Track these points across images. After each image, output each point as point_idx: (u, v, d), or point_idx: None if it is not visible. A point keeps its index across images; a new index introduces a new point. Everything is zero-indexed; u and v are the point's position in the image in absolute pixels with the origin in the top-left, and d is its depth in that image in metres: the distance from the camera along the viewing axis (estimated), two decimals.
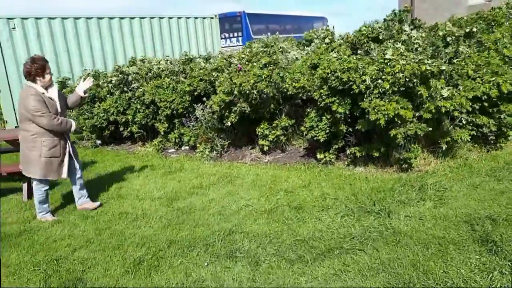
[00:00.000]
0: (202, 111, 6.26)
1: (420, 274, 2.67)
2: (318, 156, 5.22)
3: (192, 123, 6.45)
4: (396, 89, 4.23)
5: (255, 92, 5.43)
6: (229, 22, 19.20)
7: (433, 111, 4.30)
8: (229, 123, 5.83)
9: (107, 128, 7.40)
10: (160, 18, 11.35)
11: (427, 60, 4.33)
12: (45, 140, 4.08)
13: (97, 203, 4.56)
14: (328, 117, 4.84)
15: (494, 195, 3.76)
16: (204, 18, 12.33)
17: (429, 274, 2.65)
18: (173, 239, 3.53)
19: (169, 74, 7.13)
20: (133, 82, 7.29)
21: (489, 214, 3.35)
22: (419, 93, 4.24)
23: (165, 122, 6.65)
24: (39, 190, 4.25)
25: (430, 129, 4.47)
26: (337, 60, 4.65)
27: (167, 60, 7.80)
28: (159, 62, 7.64)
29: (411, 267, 2.76)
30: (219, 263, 3.09)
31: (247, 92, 5.42)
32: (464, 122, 4.65)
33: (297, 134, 6.23)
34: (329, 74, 4.56)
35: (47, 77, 4.10)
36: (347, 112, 4.63)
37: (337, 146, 5.06)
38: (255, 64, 5.89)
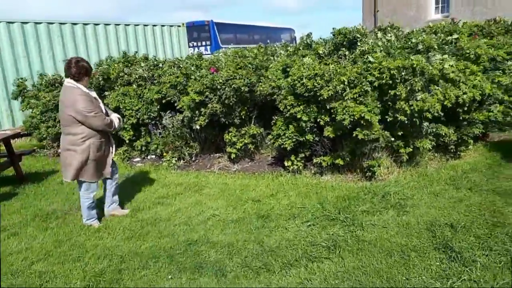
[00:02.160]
0: (170, 118, 6.17)
1: (384, 281, 2.71)
2: (286, 165, 5.25)
3: (159, 131, 6.33)
4: (380, 83, 4.33)
5: (228, 90, 5.38)
6: (197, 31, 19.15)
7: (408, 111, 4.41)
8: (197, 126, 5.72)
9: None
10: (126, 25, 11.16)
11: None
12: (94, 142, 3.91)
13: (126, 211, 4.38)
14: (295, 125, 4.88)
15: (453, 203, 3.90)
16: (171, 26, 12.23)
17: (391, 281, 2.70)
18: (136, 251, 3.43)
19: (138, 79, 6.95)
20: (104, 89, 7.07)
21: (448, 222, 3.47)
22: (394, 93, 4.34)
23: (130, 130, 6.49)
24: (87, 195, 4.04)
25: (393, 139, 4.60)
26: (307, 66, 4.71)
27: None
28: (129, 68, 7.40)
29: (375, 275, 2.80)
30: (184, 275, 3.02)
31: (219, 87, 5.37)
32: (424, 132, 4.81)
33: (266, 143, 6.25)
34: (296, 81, 4.60)
35: (87, 79, 3.99)
36: (312, 121, 4.69)
37: (304, 155, 5.11)
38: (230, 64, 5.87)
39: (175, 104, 6.02)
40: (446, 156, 5.23)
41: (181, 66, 6.46)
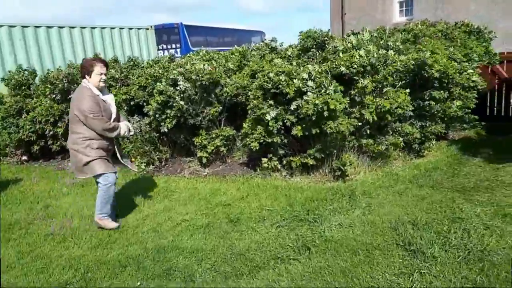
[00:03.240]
0: (138, 122, 6.08)
1: (349, 280, 2.79)
2: (257, 167, 5.29)
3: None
4: (348, 71, 4.43)
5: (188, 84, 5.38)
6: (167, 34, 18.95)
7: (374, 111, 4.51)
8: (165, 129, 5.67)
9: (36, 143, 6.91)
10: (92, 28, 10.92)
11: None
12: (94, 143, 3.85)
13: (117, 224, 4.12)
14: (262, 126, 4.91)
15: (416, 201, 4.04)
16: (139, 29, 12.07)
17: (356, 280, 2.78)
18: (103, 260, 3.37)
19: (109, 79, 6.79)
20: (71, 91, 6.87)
21: (411, 219, 3.59)
22: (362, 86, 4.43)
23: None
24: (104, 187, 3.94)
25: (360, 123, 4.67)
26: (274, 66, 4.77)
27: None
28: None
29: (341, 274, 2.87)
30: (153, 282, 3.00)
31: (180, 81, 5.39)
32: (391, 131, 4.96)
33: (237, 146, 6.27)
34: (264, 77, 4.62)
35: (95, 78, 3.83)
36: (280, 123, 4.73)
37: (274, 157, 5.16)
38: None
39: (143, 108, 5.95)
40: (410, 155, 5.41)
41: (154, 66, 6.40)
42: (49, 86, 6.84)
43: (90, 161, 3.84)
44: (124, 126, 4.06)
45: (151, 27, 12.50)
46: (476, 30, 6.93)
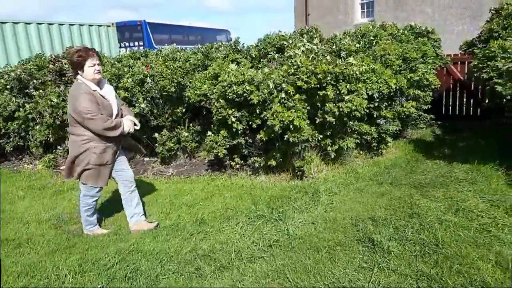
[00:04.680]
0: None
1: (311, 277, 2.84)
2: (223, 167, 5.29)
3: None
4: (307, 87, 4.46)
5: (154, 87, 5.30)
6: (129, 31, 18.52)
7: (337, 113, 4.61)
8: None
9: None
10: (50, 24, 10.50)
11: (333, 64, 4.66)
12: (96, 147, 3.53)
13: (155, 223, 3.93)
14: (227, 129, 4.91)
15: (375, 198, 4.17)
16: (100, 26, 11.72)
17: (318, 276, 2.83)
18: (61, 265, 3.24)
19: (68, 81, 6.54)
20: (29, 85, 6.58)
21: (371, 216, 3.70)
22: (323, 94, 4.51)
23: (54, 132, 6.15)
24: (87, 200, 3.72)
25: (321, 136, 4.79)
26: (235, 72, 4.77)
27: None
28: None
29: (303, 271, 2.92)
30: (114, 285, 2.93)
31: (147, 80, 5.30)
32: (349, 131, 5.09)
33: (202, 145, 6.23)
34: (227, 87, 4.65)
35: (88, 70, 3.44)
36: (246, 126, 4.76)
37: (239, 158, 5.17)
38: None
39: None
40: (370, 153, 5.58)
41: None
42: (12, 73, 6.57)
43: (85, 169, 3.58)
44: (128, 122, 3.68)
45: (112, 24, 12.18)
46: (424, 31, 7.22)
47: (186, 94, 5.51)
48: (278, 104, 4.43)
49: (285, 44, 5.70)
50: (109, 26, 12.01)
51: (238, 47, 6.58)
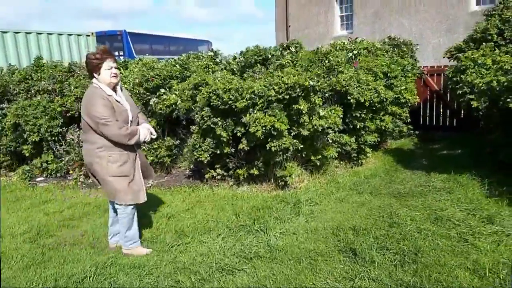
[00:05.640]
0: (75, 133, 5.80)
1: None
2: (204, 178, 5.24)
3: (63, 147, 5.91)
4: (280, 97, 4.48)
5: None
6: (110, 41, 18.31)
7: (311, 129, 4.65)
8: None
9: None
10: (27, 33, 10.32)
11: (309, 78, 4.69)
12: (112, 155, 3.27)
13: (149, 250, 3.58)
14: (211, 137, 4.89)
15: (356, 207, 4.20)
16: (79, 35, 11.59)
17: (299, 287, 2.82)
18: (36, 280, 3.14)
19: (41, 91, 6.40)
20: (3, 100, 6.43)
21: (351, 225, 3.73)
22: (297, 108, 4.54)
23: (31, 145, 6.00)
24: (125, 210, 3.39)
25: (302, 146, 4.82)
26: (222, 80, 4.75)
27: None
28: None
29: (285, 282, 2.90)
30: None
31: None
32: (330, 141, 5.14)
33: (183, 156, 6.17)
34: (211, 94, 4.60)
35: (105, 73, 3.23)
36: (230, 135, 4.74)
37: (221, 168, 5.14)
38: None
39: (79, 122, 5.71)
40: (350, 164, 5.64)
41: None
42: None
43: (105, 180, 3.32)
44: (144, 130, 3.45)
45: (92, 33, 12.06)
46: (402, 43, 7.40)
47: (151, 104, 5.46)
48: (259, 111, 4.43)
49: (268, 57, 5.75)
50: (88, 35, 11.90)
51: (217, 59, 6.59)
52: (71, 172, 5.76)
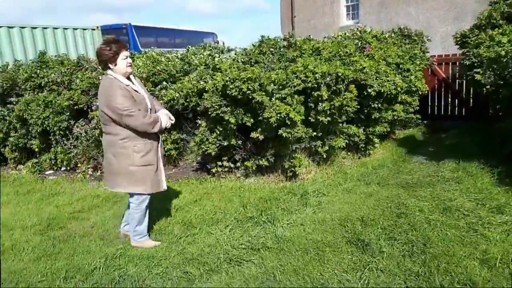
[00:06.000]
0: (84, 127, 5.83)
1: (300, 278, 2.83)
2: (211, 169, 5.25)
3: (70, 141, 5.94)
4: (309, 85, 4.50)
5: None
6: (115, 34, 18.26)
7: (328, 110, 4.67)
8: None
9: None
10: (33, 28, 10.33)
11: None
12: (136, 145, 3.24)
13: (157, 243, 3.60)
14: (220, 129, 4.86)
15: (364, 198, 4.19)
16: (84, 29, 11.57)
17: (307, 278, 2.83)
18: (47, 271, 3.18)
19: (50, 83, 6.41)
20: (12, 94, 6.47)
21: (359, 216, 3.72)
22: (317, 94, 4.54)
23: (38, 140, 6.05)
24: (137, 207, 3.39)
25: (314, 133, 4.78)
26: (237, 69, 4.71)
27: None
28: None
29: (293, 273, 2.91)
30: None
31: None
32: (338, 132, 5.11)
33: (189, 148, 6.18)
34: (228, 82, 4.53)
35: (121, 63, 3.20)
36: (240, 122, 4.68)
37: (228, 160, 5.14)
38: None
39: (87, 115, 5.73)
40: (357, 154, 5.61)
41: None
42: None
43: (129, 170, 3.25)
44: (164, 117, 3.41)
45: (97, 27, 12.04)
46: (413, 34, 7.32)
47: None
48: (278, 100, 4.43)
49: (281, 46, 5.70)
50: (93, 29, 11.87)
51: (218, 55, 6.55)
52: (79, 165, 5.80)
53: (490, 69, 4.43)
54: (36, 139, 6.11)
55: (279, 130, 4.49)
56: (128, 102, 3.15)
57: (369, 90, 5.09)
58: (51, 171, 6.27)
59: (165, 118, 3.42)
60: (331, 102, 4.64)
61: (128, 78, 3.30)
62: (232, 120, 4.60)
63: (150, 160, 3.33)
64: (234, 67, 4.76)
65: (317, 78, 4.50)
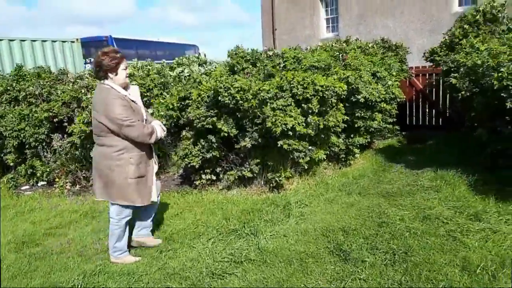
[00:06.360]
0: (61, 141, 5.71)
1: None
2: (194, 182, 5.20)
3: (49, 155, 5.81)
4: (301, 97, 4.56)
5: None
6: (95, 47, 18.13)
7: (321, 126, 4.73)
8: (92, 154, 5.43)
9: None
10: (10, 40, 10.14)
11: None
12: (133, 157, 3.20)
13: (159, 240, 3.72)
14: (203, 143, 4.83)
15: (345, 208, 4.21)
16: (63, 41, 11.42)
17: None
18: None
19: (28, 96, 6.28)
20: None
21: (341, 226, 3.73)
22: (308, 107, 4.59)
23: (14, 153, 5.89)
24: (118, 222, 3.33)
25: (310, 147, 4.83)
26: (225, 78, 4.70)
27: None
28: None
29: (276, 285, 2.89)
30: None
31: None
32: (319, 143, 5.15)
33: (171, 161, 6.12)
34: (221, 90, 4.50)
35: (122, 74, 3.18)
36: (230, 131, 4.64)
37: (210, 173, 5.11)
38: None
39: (66, 128, 5.61)
40: (338, 164, 5.66)
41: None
42: None
43: (123, 183, 3.23)
44: (158, 127, 3.41)
45: (77, 40, 11.91)
46: (394, 45, 7.50)
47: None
48: (278, 111, 4.45)
49: (258, 59, 5.74)
50: (73, 42, 11.73)
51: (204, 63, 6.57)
52: (57, 179, 5.66)
53: (466, 77, 4.61)
54: (11, 153, 5.94)
55: (279, 142, 4.50)
56: (128, 112, 3.14)
57: (358, 97, 5.18)
58: (27, 187, 6.10)
59: (160, 129, 3.42)
60: (322, 117, 4.73)
61: (124, 88, 3.28)
62: (225, 128, 4.57)
63: (142, 171, 3.32)
64: (224, 76, 4.76)
65: (317, 90, 4.58)
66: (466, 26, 6.16)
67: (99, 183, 3.32)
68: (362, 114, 5.49)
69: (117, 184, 3.24)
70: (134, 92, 3.36)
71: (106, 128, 3.15)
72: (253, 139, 4.62)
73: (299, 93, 4.56)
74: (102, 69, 3.18)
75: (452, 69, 5.18)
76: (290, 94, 4.62)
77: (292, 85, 4.63)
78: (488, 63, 4.16)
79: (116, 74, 3.19)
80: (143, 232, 3.68)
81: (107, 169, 3.24)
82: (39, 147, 5.82)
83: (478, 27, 6.11)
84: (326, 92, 4.64)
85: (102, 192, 3.33)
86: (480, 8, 6.31)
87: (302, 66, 5.42)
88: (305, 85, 4.60)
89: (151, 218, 3.72)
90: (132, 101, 3.26)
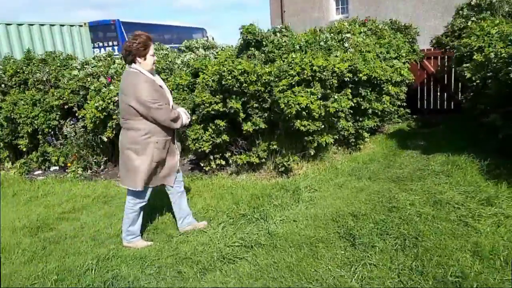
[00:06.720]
0: (72, 126, 5.75)
1: (294, 275, 2.83)
2: (204, 167, 5.23)
3: (59, 141, 5.86)
4: (300, 78, 4.54)
5: None
6: (103, 31, 18.10)
7: (323, 114, 4.67)
8: (105, 138, 5.46)
9: None
10: (19, 24, 10.14)
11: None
12: (158, 140, 3.27)
13: (204, 222, 3.78)
14: (213, 127, 4.85)
15: (355, 193, 4.20)
16: (71, 26, 11.39)
17: (301, 274, 2.83)
18: (38, 274, 3.14)
19: (36, 82, 6.32)
20: None
21: (351, 211, 3.73)
22: (311, 91, 4.55)
23: (27, 139, 5.97)
24: (133, 206, 3.41)
25: (322, 126, 4.81)
26: (230, 61, 4.68)
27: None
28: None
29: (286, 269, 2.91)
30: None
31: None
32: (327, 126, 5.11)
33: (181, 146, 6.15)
34: (225, 73, 4.49)
35: (150, 59, 3.24)
36: (241, 112, 4.64)
37: (220, 157, 5.12)
38: None
39: (76, 113, 5.66)
40: (348, 149, 5.63)
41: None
42: None
43: (147, 167, 3.27)
44: (183, 114, 3.47)
45: (85, 24, 11.87)
46: (403, 27, 7.35)
47: None
48: (288, 91, 4.43)
49: (263, 38, 5.66)
50: (81, 26, 11.70)
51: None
52: (69, 164, 5.73)
53: (481, 69, 4.51)
54: (23, 138, 6.01)
55: (295, 123, 4.48)
56: (156, 95, 3.20)
57: (359, 75, 5.11)
58: (40, 171, 6.19)
59: (185, 116, 3.48)
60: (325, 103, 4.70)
61: (151, 74, 3.32)
62: (238, 105, 4.55)
63: (163, 156, 3.38)
64: (230, 60, 4.74)
65: (315, 70, 4.53)
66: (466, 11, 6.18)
67: (129, 171, 3.35)
68: (368, 96, 5.40)
69: (141, 169, 3.28)
70: (158, 79, 3.40)
71: (134, 111, 3.19)
72: (262, 122, 4.61)
73: (294, 74, 4.52)
74: (131, 53, 3.21)
75: (465, 55, 5.03)
76: (295, 74, 4.57)
77: (290, 67, 4.59)
78: (502, 54, 4.07)
79: (145, 59, 3.23)
80: (187, 220, 3.72)
81: (133, 154, 3.29)
82: (51, 133, 5.87)
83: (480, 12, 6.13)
84: (324, 73, 4.57)
85: (126, 177, 3.37)
86: None
87: (312, 48, 5.35)
88: (302, 66, 4.54)
89: (186, 207, 3.73)
90: (159, 86, 3.32)
